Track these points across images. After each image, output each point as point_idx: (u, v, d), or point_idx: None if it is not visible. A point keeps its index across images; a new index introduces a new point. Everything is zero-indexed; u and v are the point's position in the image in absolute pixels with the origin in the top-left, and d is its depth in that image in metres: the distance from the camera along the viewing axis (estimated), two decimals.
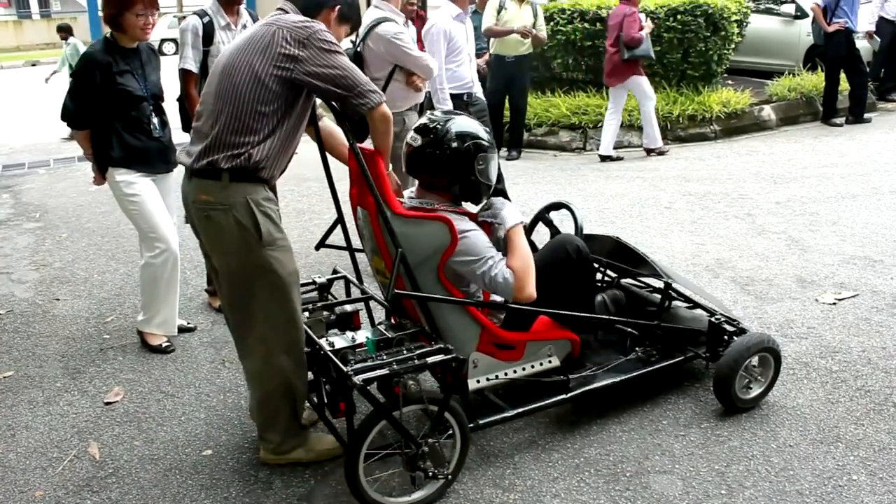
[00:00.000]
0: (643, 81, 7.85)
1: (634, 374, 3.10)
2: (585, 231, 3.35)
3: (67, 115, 3.76)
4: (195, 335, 4.14)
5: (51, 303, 4.80)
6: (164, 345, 3.98)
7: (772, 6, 11.02)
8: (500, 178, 7.11)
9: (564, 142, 8.71)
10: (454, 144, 2.77)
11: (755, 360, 3.11)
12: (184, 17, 5.71)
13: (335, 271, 3.39)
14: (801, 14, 10.24)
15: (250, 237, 2.60)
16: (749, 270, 4.68)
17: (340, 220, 3.08)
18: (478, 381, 2.87)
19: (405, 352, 2.58)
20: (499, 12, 7.36)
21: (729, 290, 4.39)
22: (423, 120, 2.86)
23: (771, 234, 5.34)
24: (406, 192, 2.96)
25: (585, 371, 3.10)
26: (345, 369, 2.46)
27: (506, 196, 5.49)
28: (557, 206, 3.40)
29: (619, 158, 8.04)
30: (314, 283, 3.26)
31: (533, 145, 8.82)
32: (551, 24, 9.22)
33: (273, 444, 2.89)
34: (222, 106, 2.58)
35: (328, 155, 3.03)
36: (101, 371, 3.82)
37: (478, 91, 5.59)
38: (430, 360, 2.53)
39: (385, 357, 2.55)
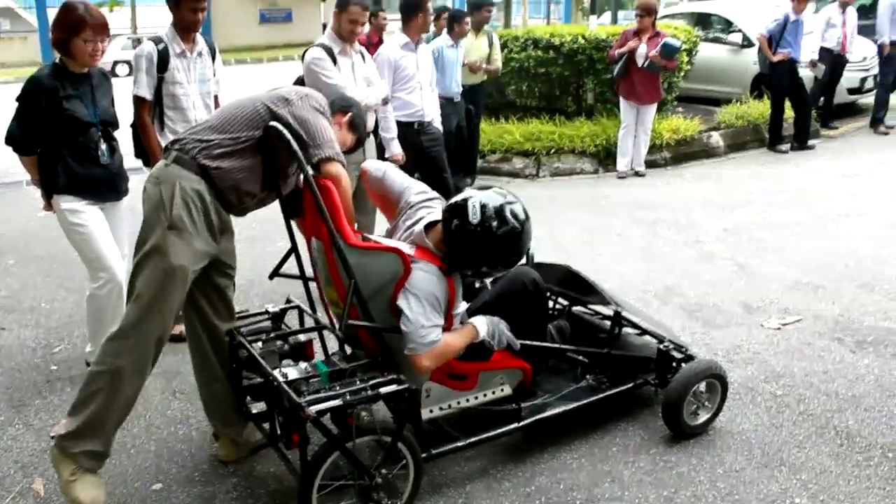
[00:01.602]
0: (621, 102, 8.23)
1: (585, 401, 3.15)
2: (537, 259, 3.41)
3: (12, 139, 3.67)
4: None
5: None
6: None
7: (720, 35, 11.35)
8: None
9: (518, 168, 8.80)
10: (492, 229, 2.75)
11: (703, 387, 3.19)
12: (138, 40, 5.67)
13: (288, 300, 3.40)
14: (748, 43, 10.55)
15: (162, 213, 2.70)
16: (697, 297, 4.80)
17: (294, 249, 3.09)
18: (431, 411, 2.89)
19: (358, 382, 2.60)
20: None
21: (678, 317, 4.49)
22: (462, 197, 2.81)
23: (718, 261, 5.48)
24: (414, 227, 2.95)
25: (537, 399, 3.14)
26: (297, 400, 2.46)
27: (449, 189, 5.48)
28: None
29: (622, 177, 8.39)
30: (267, 312, 3.26)
31: (486, 171, 8.88)
32: (505, 51, 9.35)
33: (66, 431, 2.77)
34: (213, 114, 2.92)
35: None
36: (47, 403, 3.74)
37: (435, 121, 5.63)
38: (383, 390, 2.55)
39: (338, 388, 2.56)
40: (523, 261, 3.28)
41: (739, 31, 10.92)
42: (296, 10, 32.31)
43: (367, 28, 4.62)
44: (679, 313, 4.55)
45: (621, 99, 8.27)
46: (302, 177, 2.82)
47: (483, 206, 2.73)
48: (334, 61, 4.52)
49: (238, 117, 2.80)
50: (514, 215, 2.81)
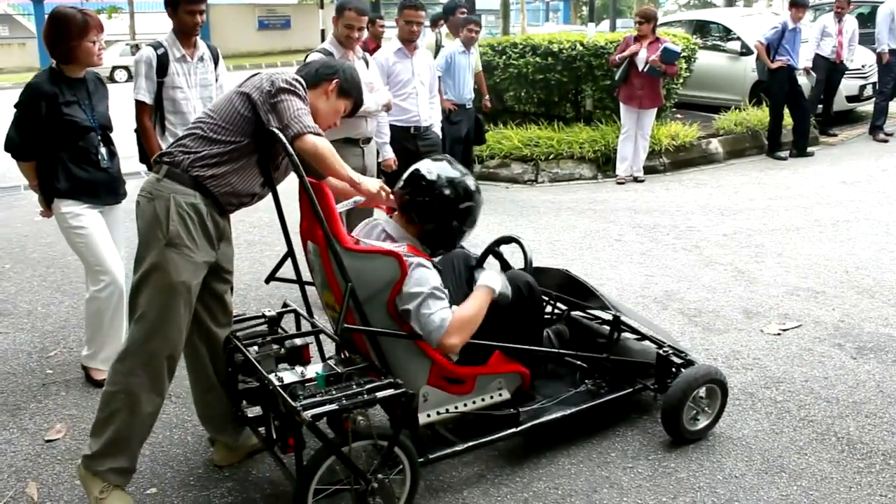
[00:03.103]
0: (621, 108, 8.26)
1: (584, 406, 3.13)
2: (536, 264, 3.39)
3: (12, 146, 3.68)
4: None
5: None
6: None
7: (719, 43, 11.36)
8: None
9: (517, 174, 8.79)
10: (443, 191, 2.86)
11: (703, 392, 3.17)
12: (136, 45, 5.69)
13: (285, 304, 3.37)
14: (746, 51, 10.57)
15: (159, 230, 2.66)
16: (696, 302, 4.77)
17: (291, 253, 3.07)
18: (428, 416, 2.86)
19: (355, 387, 2.57)
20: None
21: (677, 322, 4.47)
22: (416, 167, 2.95)
23: (718, 266, 5.46)
24: (382, 219, 2.98)
25: (535, 404, 3.11)
26: (293, 405, 2.44)
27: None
28: (507, 239, 3.43)
29: (641, 180, 8.42)
30: (264, 316, 3.23)
31: (485, 177, 8.86)
32: (503, 57, 9.38)
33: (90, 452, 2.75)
34: (197, 120, 2.82)
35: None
36: (42, 407, 3.71)
37: (435, 126, 5.61)
38: (380, 394, 2.52)
39: (334, 392, 2.53)
40: (521, 265, 3.27)
41: (738, 38, 10.93)
42: (294, 17, 32.37)
43: (364, 35, 4.58)
44: (678, 318, 4.53)
45: (621, 104, 8.27)
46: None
47: (428, 169, 2.93)
48: None
49: (222, 119, 2.73)
50: (457, 170, 2.97)
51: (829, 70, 9.86)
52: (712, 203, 7.34)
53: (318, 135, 2.68)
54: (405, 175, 2.97)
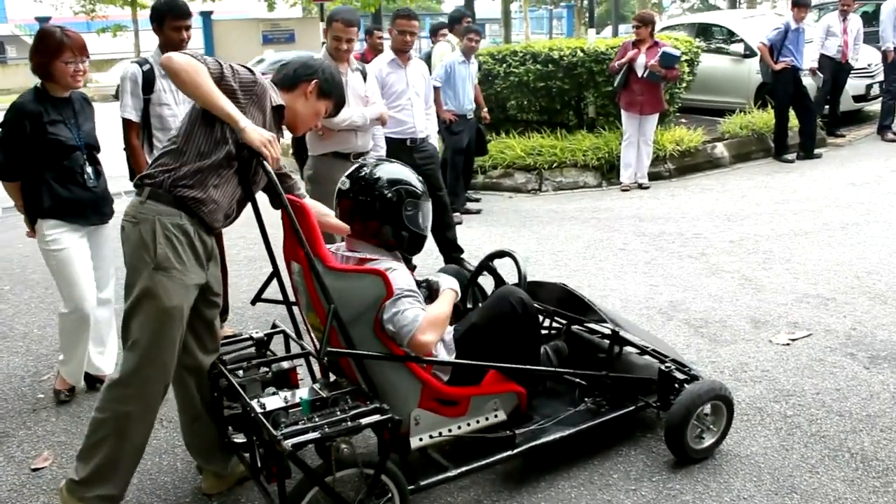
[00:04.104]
0: (622, 114, 8.17)
1: (583, 426, 3.00)
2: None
3: None
4: None
5: None
6: (63, 395, 3.93)
7: (722, 46, 11.23)
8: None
9: (520, 183, 8.69)
10: (382, 191, 2.74)
11: (707, 409, 3.03)
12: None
13: (274, 325, 3.27)
14: (750, 53, 10.43)
15: (146, 254, 2.57)
16: (702, 312, 4.64)
17: (276, 273, 2.96)
18: (420, 439, 2.75)
19: (339, 413, 2.46)
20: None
21: (682, 333, 4.33)
22: (354, 166, 2.81)
23: (724, 274, 5.32)
24: (333, 246, 2.87)
25: (533, 425, 2.99)
26: (274, 433, 2.33)
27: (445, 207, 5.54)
28: (501, 254, 3.32)
29: (646, 187, 8.30)
30: (251, 338, 3.13)
31: (488, 187, 8.78)
32: (504, 65, 9.27)
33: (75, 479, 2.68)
34: (172, 136, 2.69)
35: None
36: (31, 434, 3.62)
37: (431, 138, 5.51)
38: (364, 421, 2.41)
39: (317, 419, 2.42)
40: (514, 281, 3.16)
41: (741, 40, 10.79)
42: (298, 31, 32.41)
43: (363, 46, 4.50)
44: (684, 329, 4.39)
45: (622, 111, 8.17)
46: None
47: (364, 166, 2.84)
48: None
49: (194, 134, 2.62)
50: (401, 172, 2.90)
51: (835, 70, 9.72)
52: (719, 209, 7.20)
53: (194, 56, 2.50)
54: (346, 174, 2.85)
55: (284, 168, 3.03)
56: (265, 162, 2.54)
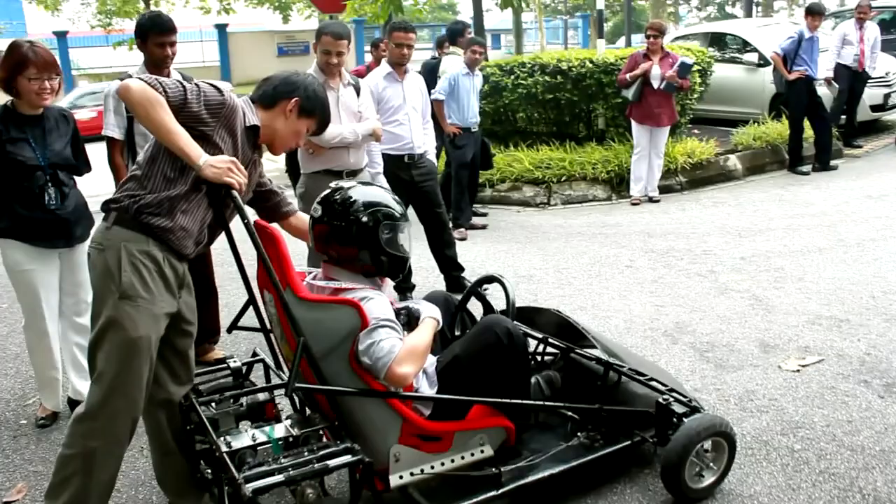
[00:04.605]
0: (633, 126, 7.98)
1: (575, 462, 2.82)
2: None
3: None
4: None
5: None
6: (40, 420, 3.87)
7: (735, 55, 11.02)
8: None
9: (528, 197, 8.53)
10: (357, 215, 2.59)
11: (708, 445, 2.85)
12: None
13: (254, 353, 3.12)
14: (764, 62, 10.22)
15: (112, 283, 2.45)
16: (709, 335, 4.44)
17: (252, 299, 2.82)
18: (401, 477, 2.59)
19: (307, 453, 2.31)
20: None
21: (687, 358, 4.14)
22: (326, 190, 2.66)
23: (734, 293, 5.12)
24: (308, 277, 2.72)
25: (521, 461, 2.81)
26: (236, 475, 2.18)
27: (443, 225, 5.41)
28: (490, 279, 3.16)
29: (656, 201, 8.13)
30: (228, 367, 2.98)
31: (496, 201, 8.64)
32: (512, 77, 9.13)
33: None
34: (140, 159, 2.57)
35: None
36: (9, 463, 3.50)
37: (429, 153, 5.35)
38: (332, 463, 2.26)
39: (283, 460, 2.27)
40: (502, 307, 3.00)
41: (755, 50, 10.57)
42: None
43: (345, 60, 4.36)
44: (689, 354, 4.20)
45: (634, 123, 7.98)
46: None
47: (337, 190, 2.67)
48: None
49: (159, 160, 2.49)
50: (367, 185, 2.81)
51: (852, 79, 9.48)
52: (730, 223, 6.99)
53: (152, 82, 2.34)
54: (318, 200, 2.70)
55: (269, 185, 2.90)
56: (232, 192, 2.40)
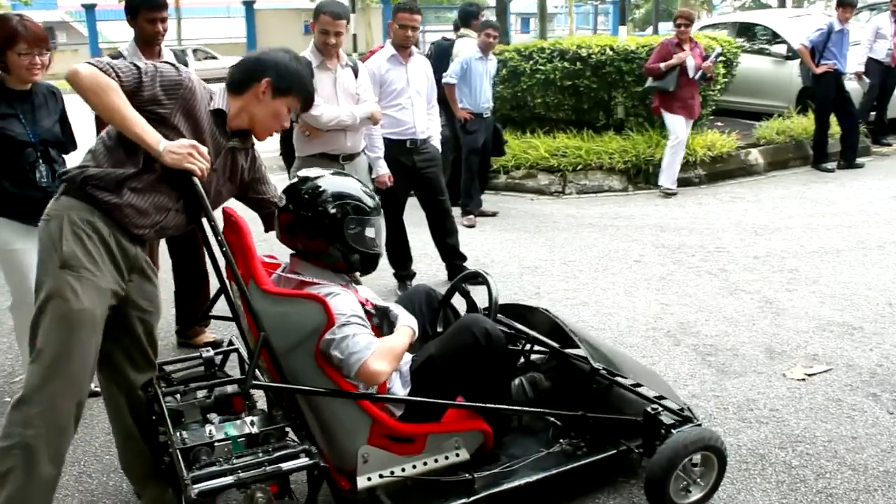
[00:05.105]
0: (667, 117, 7.66)
1: (554, 471, 2.67)
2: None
3: None
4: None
5: None
6: None
7: (764, 46, 10.70)
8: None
9: (543, 185, 8.34)
10: (324, 206, 2.45)
11: (697, 458, 2.69)
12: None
13: (230, 343, 3.01)
14: (792, 54, 9.89)
15: (54, 251, 2.32)
16: (714, 337, 4.26)
17: (224, 287, 2.69)
18: (369, 479, 2.46)
19: (261, 454, 2.19)
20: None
21: (688, 361, 3.96)
22: (294, 180, 2.52)
23: (744, 294, 4.92)
24: (279, 269, 2.59)
25: (496, 467, 2.67)
26: (184, 475, 2.07)
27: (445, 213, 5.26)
28: (475, 275, 3.01)
29: (672, 194, 7.82)
30: (200, 356, 2.87)
31: (511, 188, 8.45)
32: (531, 62, 8.92)
33: None
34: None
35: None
36: None
37: (433, 139, 5.18)
38: (286, 466, 2.14)
39: (236, 461, 2.15)
40: (483, 304, 2.85)
41: (784, 42, 10.25)
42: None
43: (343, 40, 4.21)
44: (690, 356, 4.02)
45: (667, 114, 7.64)
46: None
47: (305, 180, 2.53)
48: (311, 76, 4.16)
49: (110, 137, 2.37)
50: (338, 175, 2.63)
51: (884, 74, 9.13)
52: (747, 220, 6.76)
53: (103, 67, 2.20)
54: (284, 189, 2.56)
55: (272, 192, 2.74)
56: (193, 178, 2.27)
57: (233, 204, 2.64)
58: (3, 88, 3.38)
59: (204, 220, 2.41)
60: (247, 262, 2.36)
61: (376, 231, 2.54)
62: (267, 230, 2.77)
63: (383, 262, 5.28)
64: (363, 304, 2.52)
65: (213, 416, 2.58)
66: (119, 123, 2.22)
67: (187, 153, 2.25)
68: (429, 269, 5.55)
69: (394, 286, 5.24)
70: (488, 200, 7.72)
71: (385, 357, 2.35)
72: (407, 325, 2.53)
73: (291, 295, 2.37)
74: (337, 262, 2.52)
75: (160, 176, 2.35)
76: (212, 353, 2.87)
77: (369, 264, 2.58)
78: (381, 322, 2.59)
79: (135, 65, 2.27)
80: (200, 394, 2.68)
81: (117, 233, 2.39)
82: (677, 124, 7.65)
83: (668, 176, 7.84)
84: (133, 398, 2.65)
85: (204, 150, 2.30)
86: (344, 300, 2.39)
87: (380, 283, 5.12)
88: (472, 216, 7.09)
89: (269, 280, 2.40)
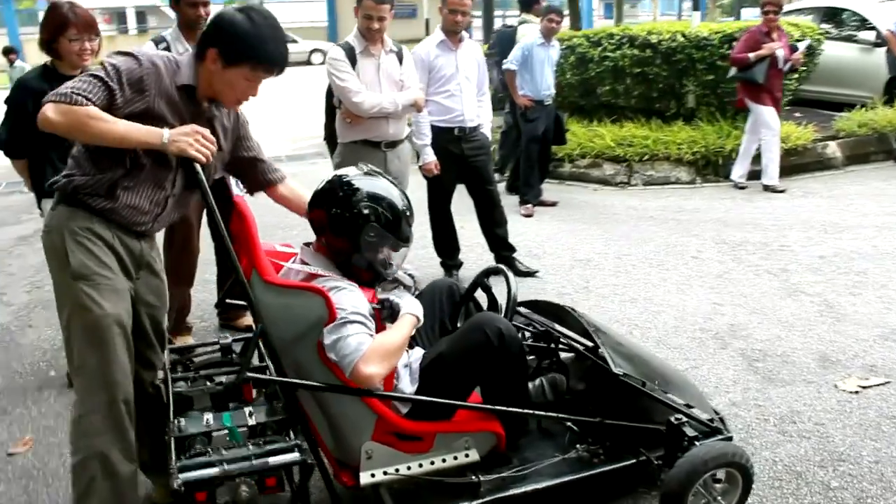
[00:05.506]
0: (759, 109, 7.21)
1: (567, 478, 2.55)
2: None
3: (2, 143, 3.64)
4: None
5: (22, 330, 4.62)
6: (69, 374, 3.79)
7: (851, 33, 10.12)
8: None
9: (608, 175, 8.11)
10: (357, 206, 2.43)
11: (721, 474, 2.52)
12: None
13: (249, 328, 3.00)
14: (882, 41, 9.33)
15: (61, 266, 2.32)
16: (764, 342, 4.03)
17: (237, 274, 2.67)
18: (372, 475, 2.41)
19: (251, 447, 2.15)
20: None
21: (733, 366, 3.76)
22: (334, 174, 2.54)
23: (803, 296, 4.65)
24: (287, 264, 2.54)
25: (506, 471, 2.56)
26: (171, 464, 2.05)
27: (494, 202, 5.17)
28: (496, 271, 2.90)
29: (742, 187, 7.53)
30: (217, 343, 2.86)
31: (575, 178, 8.26)
32: (598, 49, 8.68)
33: None
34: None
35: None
36: (26, 413, 3.57)
37: (484, 127, 5.06)
38: (274, 461, 2.09)
39: (224, 452, 2.12)
40: (503, 302, 2.74)
41: (874, 28, 9.66)
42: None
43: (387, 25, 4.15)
44: (736, 361, 3.81)
45: (760, 106, 7.19)
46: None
47: (341, 177, 2.51)
48: (354, 62, 4.12)
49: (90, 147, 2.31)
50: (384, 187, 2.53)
51: None
52: (817, 217, 6.40)
53: (65, 101, 2.09)
54: (320, 185, 2.51)
55: (256, 150, 2.66)
56: (195, 166, 2.23)
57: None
58: (56, 74, 3.46)
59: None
60: (250, 253, 2.32)
61: (398, 256, 2.52)
62: (251, 192, 2.69)
63: (431, 251, 5.27)
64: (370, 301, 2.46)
65: (230, 405, 2.56)
66: (117, 143, 2.18)
67: (190, 141, 2.20)
68: (479, 258, 5.45)
69: (440, 276, 5.16)
70: (550, 190, 7.56)
71: (375, 359, 2.26)
72: (409, 312, 2.45)
73: (294, 287, 2.32)
74: (355, 267, 2.49)
75: (151, 167, 2.32)
76: (230, 339, 2.87)
77: (373, 278, 2.53)
78: (391, 312, 2.50)
79: (95, 76, 2.17)
80: (217, 379, 2.68)
81: (119, 233, 2.38)
82: (770, 116, 7.20)
83: (773, 169, 7.40)
84: (140, 392, 2.65)
85: (206, 132, 2.25)
86: (347, 296, 2.33)
87: (428, 273, 5.05)
88: (529, 205, 6.96)
89: (272, 271, 2.36)
